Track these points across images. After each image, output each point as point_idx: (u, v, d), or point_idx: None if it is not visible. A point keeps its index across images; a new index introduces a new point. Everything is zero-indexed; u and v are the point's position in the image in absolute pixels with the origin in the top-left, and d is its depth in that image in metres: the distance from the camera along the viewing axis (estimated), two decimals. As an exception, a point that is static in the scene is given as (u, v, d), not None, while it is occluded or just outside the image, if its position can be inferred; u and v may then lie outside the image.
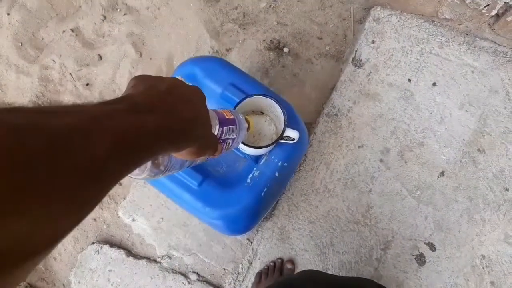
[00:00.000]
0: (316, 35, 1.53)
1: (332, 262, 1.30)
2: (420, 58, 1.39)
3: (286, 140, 0.94)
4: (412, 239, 1.29)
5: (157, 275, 1.35)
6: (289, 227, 1.32)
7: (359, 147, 1.35)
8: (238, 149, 0.97)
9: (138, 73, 1.53)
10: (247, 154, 0.97)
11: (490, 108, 1.34)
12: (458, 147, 1.33)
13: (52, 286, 1.43)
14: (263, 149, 0.89)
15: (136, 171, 0.43)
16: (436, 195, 1.31)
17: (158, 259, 1.38)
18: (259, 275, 1.29)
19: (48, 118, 0.24)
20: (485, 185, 1.30)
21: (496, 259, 1.26)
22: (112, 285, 1.36)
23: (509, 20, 1.30)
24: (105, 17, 1.58)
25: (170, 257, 1.38)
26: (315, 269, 1.20)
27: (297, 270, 1.30)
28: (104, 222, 1.44)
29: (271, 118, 0.99)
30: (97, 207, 1.42)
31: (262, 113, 1.00)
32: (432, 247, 1.28)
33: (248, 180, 0.97)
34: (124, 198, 1.42)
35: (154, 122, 0.32)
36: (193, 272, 1.36)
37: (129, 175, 0.37)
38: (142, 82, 0.36)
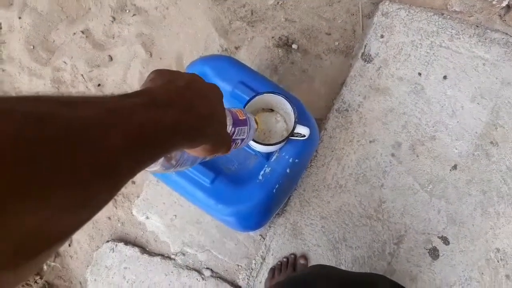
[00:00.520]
0: (325, 31, 1.52)
1: (345, 257, 1.30)
2: (430, 51, 1.38)
3: (296, 136, 0.95)
4: (425, 233, 1.29)
5: (172, 272, 1.37)
6: (302, 223, 1.33)
7: (370, 142, 1.35)
8: (249, 147, 0.98)
9: (149, 73, 1.54)
10: (258, 151, 0.98)
11: (502, 100, 1.33)
12: (470, 140, 1.32)
13: (69, 283, 1.45)
14: (273, 146, 0.90)
15: None
16: (448, 189, 1.30)
17: (172, 256, 1.40)
18: (273, 271, 1.30)
19: (67, 109, 0.24)
20: (499, 178, 1.29)
21: (511, 252, 1.25)
22: (127, 282, 1.38)
23: (520, 10, 1.29)
24: (114, 18, 1.60)
25: (184, 254, 1.39)
26: (327, 264, 1.21)
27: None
28: (118, 221, 1.45)
29: (281, 115, 1.00)
30: (111, 206, 1.44)
31: (272, 110, 1.00)
32: (445, 240, 1.28)
33: (260, 177, 0.97)
34: (138, 197, 1.44)
35: (172, 118, 0.31)
36: (207, 268, 1.37)
37: None
38: (160, 77, 0.37)
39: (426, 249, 1.28)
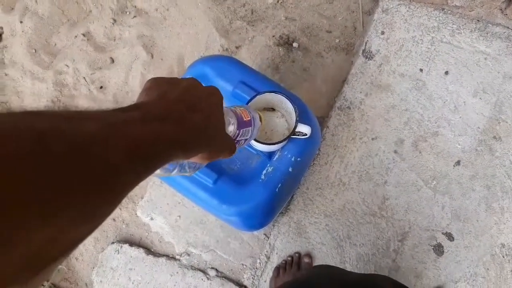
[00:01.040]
0: (325, 29, 1.52)
1: (350, 255, 1.30)
2: (431, 47, 1.38)
3: (298, 135, 0.95)
4: (430, 230, 1.28)
5: (177, 272, 1.37)
6: (305, 221, 1.33)
7: (372, 139, 1.34)
8: (251, 146, 0.98)
9: (150, 75, 1.55)
10: (260, 151, 0.98)
11: (505, 95, 1.32)
12: (473, 135, 1.31)
13: (75, 285, 1.46)
14: (275, 145, 0.90)
15: None
16: (452, 185, 1.30)
17: (177, 257, 1.40)
18: (277, 270, 1.30)
19: (69, 124, 0.24)
20: (503, 173, 1.28)
21: (516, 247, 1.25)
22: (133, 283, 1.38)
23: (521, 4, 1.28)
24: (115, 20, 1.60)
25: (188, 254, 1.40)
26: (330, 265, 1.21)
27: (315, 264, 1.31)
28: (123, 222, 1.46)
29: (283, 114, 1.00)
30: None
31: (273, 109, 1.00)
32: (450, 237, 1.28)
33: (262, 176, 0.97)
34: (142, 198, 1.44)
35: (166, 131, 0.32)
36: (212, 268, 1.37)
37: None
38: (155, 88, 0.37)
39: (431, 246, 1.28)
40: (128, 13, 1.61)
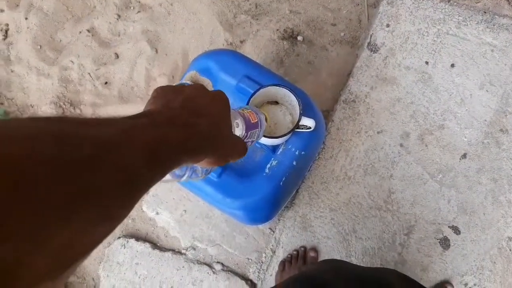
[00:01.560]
0: (330, 22, 1.51)
1: (355, 249, 1.30)
2: (437, 39, 1.37)
3: (302, 128, 0.94)
4: (436, 223, 1.28)
5: (183, 267, 1.38)
6: (311, 216, 1.33)
7: (378, 132, 1.34)
8: (255, 140, 0.98)
9: (155, 70, 1.55)
10: (264, 144, 0.98)
11: (512, 87, 1.31)
12: (479, 128, 1.30)
13: (82, 280, 1.47)
14: (279, 138, 0.90)
15: None
16: (458, 178, 1.29)
17: (183, 251, 1.41)
18: (283, 264, 1.30)
19: (88, 129, 0.26)
20: (510, 166, 1.27)
21: (523, 240, 1.24)
22: (139, 277, 1.39)
23: (529, -5, 1.26)
24: (119, 16, 1.60)
25: (194, 249, 1.40)
26: (337, 259, 1.21)
27: (320, 258, 1.31)
28: (129, 217, 1.47)
29: (287, 108, 0.99)
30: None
31: (277, 103, 1.00)
32: (456, 230, 1.27)
33: (267, 170, 0.97)
34: (147, 193, 1.45)
35: (173, 136, 0.33)
36: (218, 262, 1.38)
37: None
38: (161, 97, 0.39)
39: (437, 239, 1.27)
40: (132, 8, 1.61)
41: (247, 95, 0.93)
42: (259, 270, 1.35)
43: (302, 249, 1.31)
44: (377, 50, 1.39)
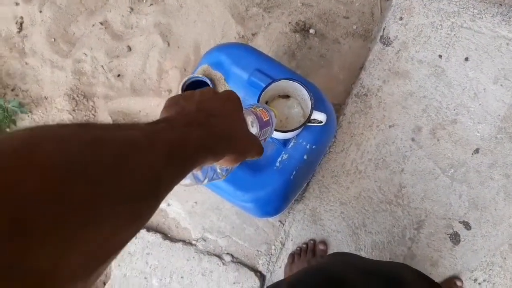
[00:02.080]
0: (343, 15, 1.50)
1: (365, 243, 1.30)
2: (451, 32, 1.35)
3: (313, 122, 0.94)
4: (446, 218, 1.27)
5: (193, 257, 1.40)
6: (321, 209, 1.33)
7: (390, 126, 1.33)
8: (266, 134, 0.98)
9: (167, 62, 1.56)
10: (275, 138, 0.98)
11: (527, 81, 1.29)
12: (493, 123, 1.29)
13: (95, 269, 1.50)
14: (290, 132, 0.90)
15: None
16: (470, 173, 1.28)
17: (194, 242, 1.43)
18: (292, 256, 1.31)
19: (112, 131, 0.27)
20: (523, 161, 1.26)
21: (535, 237, 1.23)
22: (150, 267, 1.41)
23: (546, -13, 1.24)
24: (132, 9, 1.61)
25: (204, 240, 1.42)
26: (347, 252, 1.21)
27: (330, 251, 1.31)
28: (140, 208, 1.48)
29: (298, 102, 0.99)
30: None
31: (288, 96, 1.00)
32: (467, 225, 1.26)
33: (277, 164, 0.98)
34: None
35: (192, 136, 0.35)
36: (228, 253, 1.39)
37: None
38: (173, 105, 0.40)
39: (447, 234, 1.27)
40: (144, 1, 1.62)
41: (259, 89, 0.93)
42: (269, 262, 1.36)
43: (312, 242, 1.32)
44: (390, 44, 1.38)
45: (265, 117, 0.59)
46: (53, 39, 1.62)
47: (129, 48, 1.59)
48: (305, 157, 0.99)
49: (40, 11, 1.63)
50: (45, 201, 0.18)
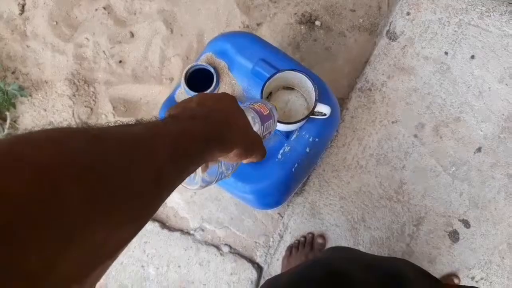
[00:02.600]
0: (349, 7, 1.49)
1: (363, 238, 1.30)
2: (458, 30, 1.34)
3: (317, 115, 0.93)
4: (446, 216, 1.27)
5: (191, 247, 1.39)
6: (320, 203, 1.33)
7: (393, 122, 1.32)
8: (269, 125, 0.97)
9: (170, 50, 1.54)
10: (278, 130, 0.97)
11: (532, 81, 1.28)
12: (496, 122, 1.28)
13: (91, 256, 1.50)
14: (293, 124, 0.89)
15: (189, 181, 0.44)
16: (472, 172, 1.27)
17: (192, 232, 1.42)
18: (290, 249, 1.31)
19: (113, 130, 0.26)
20: (525, 161, 1.26)
21: (534, 237, 1.23)
22: (147, 256, 1.41)
23: (556, -13, 1.22)
24: (136, -7, 1.59)
25: (203, 230, 1.41)
26: (346, 246, 1.21)
27: (328, 245, 1.31)
28: (139, 196, 1.48)
29: (302, 94, 0.98)
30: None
31: (293, 88, 0.99)
32: (466, 224, 1.26)
33: (279, 156, 0.97)
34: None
35: (197, 128, 0.34)
36: (226, 244, 1.39)
37: (184, 185, 0.41)
38: (174, 108, 0.40)
39: (446, 232, 1.27)
40: (149, -14, 1.60)
41: (263, 79, 0.92)
42: (266, 254, 1.36)
43: (310, 235, 1.32)
44: (396, 39, 1.37)
45: (264, 111, 0.58)
46: (55, 22, 1.60)
47: (132, 34, 1.57)
48: (307, 150, 0.98)
49: (43, -6, 1.60)
50: (35, 202, 0.18)
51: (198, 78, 0.96)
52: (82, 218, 0.20)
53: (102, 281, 1.42)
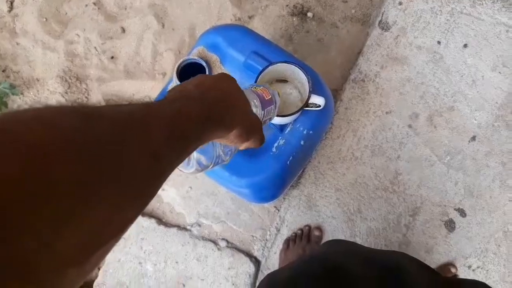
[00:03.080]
0: (341, -2, 1.48)
1: (360, 229, 1.30)
2: (450, 18, 1.33)
3: (311, 107, 0.93)
4: (442, 205, 1.27)
5: (188, 242, 1.39)
6: (316, 195, 1.33)
7: (387, 113, 1.32)
8: (262, 118, 0.96)
9: (162, 44, 1.53)
10: (272, 123, 0.97)
11: (525, 69, 1.28)
12: (490, 110, 1.28)
13: (88, 254, 1.49)
14: (288, 117, 0.89)
15: (185, 164, 0.43)
16: (466, 161, 1.28)
17: (188, 227, 1.42)
18: (287, 242, 1.31)
19: (105, 109, 0.26)
20: (519, 149, 1.26)
21: (529, 224, 1.24)
22: (144, 252, 1.41)
23: (548, -27, 1.22)
24: (126, -12, 1.57)
25: (199, 225, 1.41)
26: (343, 239, 1.20)
27: (325, 237, 1.31)
28: (134, 193, 1.47)
29: (296, 86, 0.98)
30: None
31: (286, 81, 0.99)
32: (462, 213, 1.27)
33: (274, 149, 0.97)
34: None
35: (191, 107, 0.33)
36: (223, 239, 1.39)
37: (180, 168, 0.40)
38: (172, 91, 0.39)
39: (442, 221, 1.27)
40: (139, -19, 1.58)
41: (255, 72, 0.91)
42: (264, 247, 1.36)
43: (307, 228, 1.32)
44: (388, 29, 1.36)
45: (266, 95, 0.57)
46: (44, 19, 1.58)
47: (123, 30, 1.56)
48: (302, 142, 0.98)
49: (31, -10, 1.58)
50: (28, 182, 0.17)
51: (190, 72, 0.95)
52: (77, 198, 0.19)
53: (100, 278, 1.42)
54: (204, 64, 0.95)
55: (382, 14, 1.37)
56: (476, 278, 1.23)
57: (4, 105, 1.47)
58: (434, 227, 1.27)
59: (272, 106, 0.58)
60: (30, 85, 1.54)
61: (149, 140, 0.26)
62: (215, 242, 1.39)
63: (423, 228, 1.27)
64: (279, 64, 0.89)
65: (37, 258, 0.17)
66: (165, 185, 1.43)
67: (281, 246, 1.33)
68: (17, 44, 1.58)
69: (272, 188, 1.00)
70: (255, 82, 0.88)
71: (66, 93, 1.52)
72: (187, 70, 0.96)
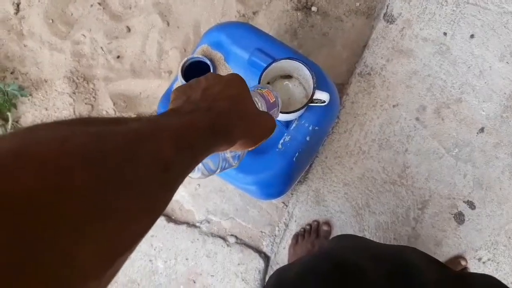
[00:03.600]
0: (345, -8, 1.47)
1: (369, 223, 1.30)
2: (456, 9, 1.32)
3: (316, 103, 0.93)
4: (451, 198, 1.27)
5: (197, 239, 1.40)
6: (324, 190, 1.33)
7: (393, 106, 1.31)
8: (268, 115, 0.97)
9: (167, 43, 1.53)
10: (277, 120, 0.97)
11: (534, 58, 1.27)
12: (498, 101, 1.27)
13: (100, 252, 1.51)
14: (293, 113, 0.89)
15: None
16: (475, 153, 1.27)
17: (197, 224, 1.43)
18: (296, 237, 1.32)
19: (115, 124, 0.26)
20: (528, 140, 1.25)
21: (540, 215, 1.23)
22: (155, 249, 1.42)
23: (556, -40, 1.20)
24: (130, -13, 1.58)
25: (208, 222, 1.42)
26: (353, 234, 1.20)
27: (333, 232, 1.31)
28: (143, 191, 1.48)
29: (300, 82, 0.98)
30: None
31: (290, 77, 0.98)
32: (471, 205, 1.26)
33: (279, 146, 0.97)
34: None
35: (198, 120, 0.34)
36: (232, 235, 1.40)
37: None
38: (179, 96, 0.40)
39: (451, 214, 1.26)
40: (143, -20, 1.58)
41: (260, 69, 0.91)
42: (273, 243, 1.36)
43: (315, 223, 1.32)
44: (393, 21, 1.35)
45: (271, 98, 0.57)
46: (51, 20, 1.59)
47: (128, 29, 1.56)
48: (307, 138, 0.98)
49: (37, -8, 1.59)
50: (42, 195, 0.18)
51: (195, 71, 0.95)
52: (91, 211, 0.20)
53: (111, 276, 1.44)
54: (208, 62, 0.95)
55: (387, 7, 1.36)
56: (487, 271, 1.23)
57: (14, 107, 1.48)
58: (443, 220, 1.26)
59: (276, 108, 0.59)
60: (38, 87, 1.56)
61: (159, 153, 0.27)
62: (224, 239, 1.40)
63: (432, 221, 1.27)
64: (282, 60, 0.89)
65: (63, 272, 0.18)
66: (173, 183, 1.44)
67: (290, 242, 1.34)
68: (25, 46, 1.59)
69: (279, 184, 1.00)
70: (259, 79, 0.88)
71: (74, 93, 1.53)
72: (192, 68, 0.96)
